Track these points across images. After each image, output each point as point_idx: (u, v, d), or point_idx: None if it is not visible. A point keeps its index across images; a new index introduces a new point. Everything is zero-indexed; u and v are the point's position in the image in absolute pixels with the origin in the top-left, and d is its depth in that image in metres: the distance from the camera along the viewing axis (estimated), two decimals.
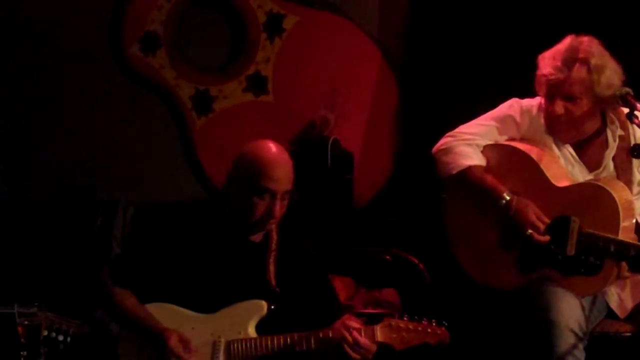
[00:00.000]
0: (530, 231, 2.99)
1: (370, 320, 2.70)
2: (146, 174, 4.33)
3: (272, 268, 2.75)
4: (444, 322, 2.66)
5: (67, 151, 4.26)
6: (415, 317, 2.66)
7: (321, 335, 2.64)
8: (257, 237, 2.77)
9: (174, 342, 2.60)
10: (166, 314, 2.69)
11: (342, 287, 3.92)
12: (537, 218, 2.99)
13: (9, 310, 2.65)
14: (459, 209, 3.20)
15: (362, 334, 2.62)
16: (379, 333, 2.63)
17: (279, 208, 2.68)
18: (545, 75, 3.01)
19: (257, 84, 4.44)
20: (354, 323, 2.65)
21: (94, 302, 2.83)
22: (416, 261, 4.01)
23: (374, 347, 2.64)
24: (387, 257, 4.10)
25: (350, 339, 2.60)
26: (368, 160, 4.51)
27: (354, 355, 2.61)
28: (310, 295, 2.79)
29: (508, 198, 3.02)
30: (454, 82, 4.32)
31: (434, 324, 2.65)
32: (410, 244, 4.11)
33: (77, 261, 3.84)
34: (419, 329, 2.64)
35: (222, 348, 2.65)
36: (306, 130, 4.45)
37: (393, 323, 2.64)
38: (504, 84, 3.84)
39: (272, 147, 2.74)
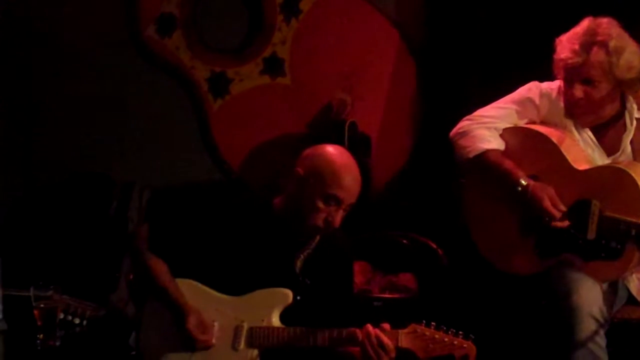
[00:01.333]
0: (546, 218, 2.95)
1: (391, 308, 2.65)
2: (162, 157, 4.32)
3: (301, 259, 2.72)
4: (471, 335, 2.57)
5: (83, 134, 4.26)
6: (442, 327, 2.57)
7: (345, 334, 2.60)
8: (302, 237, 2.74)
9: (192, 323, 2.59)
10: (192, 291, 2.68)
11: (359, 271, 3.91)
12: (553, 205, 2.95)
13: (25, 294, 2.65)
14: (477, 193, 3.17)
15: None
16: (403, 339, 2.56)
17: (339, 218, 2.65)
18: (563, 60, 2.97)
19: (273, 66, 4.41)
20: (385, 325, 2.59)
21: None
22: (434, 245, 3.99)
23: (394, 353, 2.58)
24: (404, 241, 4.09)
25: (374, 340, 2.55)
26: (385, 143, 4.48)
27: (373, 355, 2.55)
28: (333, 291, 2.75)
29: (525, 183, 2.99)
30: (473, 64, 4.29)
31: (460, 336, 2.56)
32: (428, 228, 4.09)
33: (93, 244, 3.85)
34: (445, 340, 2.55)
35: (244, 333, 2.64)
36: (323, 113, 4.43)
37: (419, 330, 2.56)
38: (523, 66, 3.81)
39: (346, 155, 2.69)
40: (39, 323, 2.60)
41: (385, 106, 4.51)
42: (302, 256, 2.73)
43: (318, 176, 2.63)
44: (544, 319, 3.07)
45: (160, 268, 2.69)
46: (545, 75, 3.14)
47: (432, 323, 2.57)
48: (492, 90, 3.28)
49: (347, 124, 4.29)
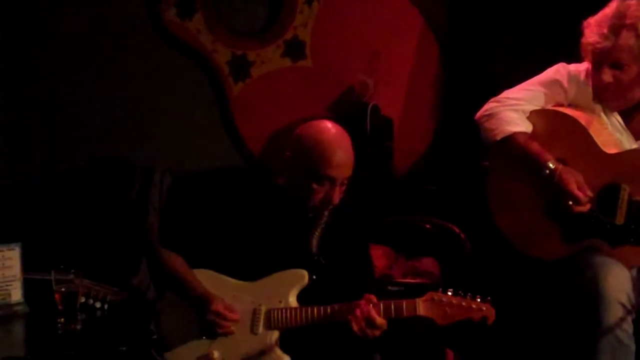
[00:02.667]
0: (570, 203, 2.90)
1: (412, 293, 2.64)
2: (183, 140, 4.31)
3: (316, 237, 2.71)
4: (488, 297, 2.57)
5: (104, 118, 4.25)
6: (460, 292, 2.57)
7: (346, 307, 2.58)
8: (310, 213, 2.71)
9: (219, 306, 2.59)
10: (208, 280, 2.68)
11: (381, 256, 3.89)
12: (578, 189, 2.91)
13: (46, 277, 2.64)
14: (502, 177, 3.12)
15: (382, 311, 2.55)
16: (421, 307, 2.55)
17: (337, 195, 2.62)
18: (591, 44, 2.92)
19: (295, 49, 4.38)
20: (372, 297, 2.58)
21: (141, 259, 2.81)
22: (457, 230, 3.95)
23: (385, 326, 2.56)
24: (427, 225, 4.06)
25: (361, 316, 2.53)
26: (408, 126, 4.45)
27: (363, 332, 2.54)
28: (350, 268, 2.74)
29: (552, 167, 2.94)
30: (498, 46, 4.24)
31: (478, 300, 2.56)
32: (451, 212, 4.06)
33: (114, 228, 3.85)
34: (463, 304, 2.54)
35: (262, 316, 2.63)
36: (345, 96, 4.40)
37: (436, 297, 2.55)
38: (549, 49, 3.75)
39: (332, 129, 2.63)
40: (59, 307, 2.61)
41: (408, 89, 4.47)
42: (315, 234, 2.71)
43: (306, 159, 2.60)
44: (570, 305, 3.04)
45: (175, 261, 2.69)
46: (573, 57, 3.10)
47: (449, 290, 2.56)
48: (517, 73, 3.24)
49: (370, 107, 4.26)
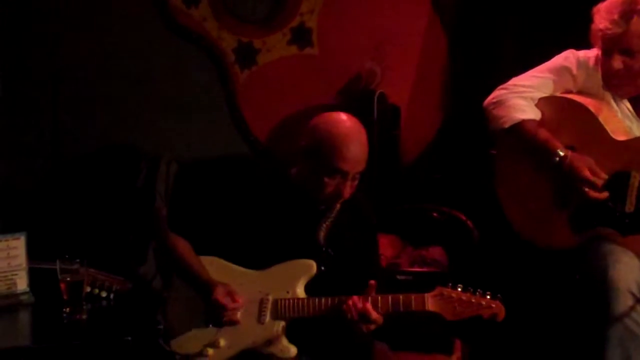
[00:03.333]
0: (585, 189, 2.87)
1: (420, 282, 2.63)
2: (188, 128, 4.29)
3: (324, 229, 2.69)
4: (498, 295, 2.54)
5: (110, 107, 4.24)
6: (469, 288, 2.54)
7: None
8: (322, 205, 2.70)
9: (220, 293, 2.58)
10: (215, 268, 2.67)
11: (388, 244, 3.88)
12: (592, 174, 2.88)
13: (51, 266, 2.63)
14: (510, 165, 3.10)
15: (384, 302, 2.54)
16: (430, 302, 2.53)
17: (348, 189, 2.59)
18: (601, 30, 2.89)
19: (301, 36, 4.35)
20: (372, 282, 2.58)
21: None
22: (464, 218, 3.93)
23: (380, 321, 2.55)
24: (435, 214, 4.04)
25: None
26: (415, 114, 4.43)
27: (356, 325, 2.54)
28: (357, 260, 2.73)
29: (562, 154, 2.92)
30: (506, 33, 4.20)
31: (488, 297, 2.53)
32: (459, 200, 4.04)
33: (120, 217, 3.84)
34: (473, 300, 2.52)
35: (269, 306, 2.63)
36: (352, 83, 4.37)
37: (445, 293, 2.53)
38: (558, 38, 3.72)
39: (348, 122, 2.60)
40: (65, 296, 2.60)
41: (416, 77, 4.45)
42: (324, 225, 2.69)
43: (319, 150, 2.57)
44: (578, 294, 3.02)
45: (183, 247, 2.68)
46: (581, 44, 3.08)
47: (459, 285, 2.54)
48: (525, 60, 3.23)
49: (377, 95, 4.23)
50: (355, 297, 2.54)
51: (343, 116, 2.62)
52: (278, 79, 4.35)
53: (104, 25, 4.22)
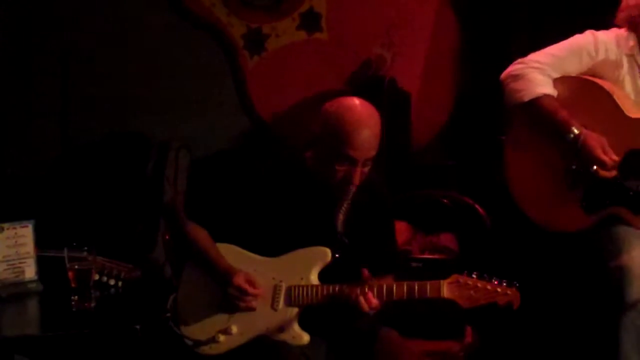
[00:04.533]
0: (595, 167, 2.84)
1: (431, 269, 2.61)
2: (198, 115, 4.28)
3: (341, 216, 2.66)
4: (515, 282, 2.52)
5: (119, 93, 4.23)
6: (485, 275, 2.52)
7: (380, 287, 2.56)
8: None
9: (241, 278, 2.57)
10: (231, 255, 2.66)
11: (399, 231, 3.83)
12: (604, 153, 2.84)
13: (59, 254, 2.62)
14: (521, 146, 3.07)
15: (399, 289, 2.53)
16: (446, 289, 2.51)
17: (359, 175, 2.57)
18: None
19: (310, 21, 4.33)
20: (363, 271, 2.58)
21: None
22: (475, 205, 3.90)
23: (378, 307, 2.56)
24: (445, 200, 4.01)
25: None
26: (426, 100, 4.40)
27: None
28: (374, 246, 2.71)
29: (577, 132, 2.89)
30: (517, 16, 4.16)
31: (504, 284, 2.51)
32: (470, 186, 4.01)
33: (129, 205, 3.83)
34: (488, 287, 2.50)
35: (282, 292, 2.62)
36: (361, 69, 4.35)
37: (461, 280, 2.51)
38: (569, 17, 3.69)
39: (359, 107, 2.57)
40: (73, 285, 2.58)
41: (426, 62, 4.42)
42: (341, 212, 2.67)
43: (329, 136, 2.56)
44: (592, 280, 2.99)
45: (200, 234, 2.67)
46: (592, 27, 3.05)
47: (475, 273, 2.52)
48: (536, 43, 3.18)
49: (386, 80, 4.21)
50: (361, 287, 2.54)
51: (355, 101, 2.60)
52: (287, 64, 4.33)
53: (114, 13, 4.20)
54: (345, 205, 2.66)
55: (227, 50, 4.31)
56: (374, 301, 2.52)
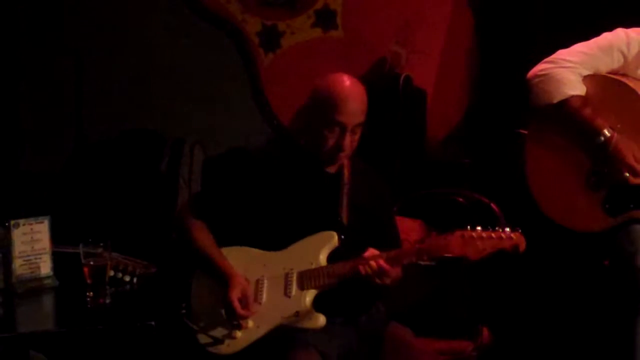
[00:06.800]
0: (627, 174, 2.81)
1: (444, 268, 2.62)
2: (212, 112, 4.28)
3: (345, 200, 2.73)
4: (517, 227, 2.57)
5: (134, 90, 4.24)
6: (489, 226, 2.57)
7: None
8: (331, 169, 2.76)
9: (235, 295, 2.59)
10: (240, 255, 2.69)
11: (412, 229, 3.83)
12: (636, 161, 2.81)
13: (75, 250, 2.63)
14: (543, 144, 3.02)
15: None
16: (453, 245, 2.56)
17: (348, 141, 2.66)
18: None
19: (326, 19, 4.32)
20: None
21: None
22: (491, 203, 3.88)
23: (400, 274, 2.63)
24: (460, 199, 3.99)
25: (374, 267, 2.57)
26: (441, 98, 4.38)
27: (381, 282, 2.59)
28: (376, 229, 2.77)
29: (608, 135, 2.83)
30: (534, 13, 4.13)
31: (507, 230, 2.56)
32: (485, 185, 3.98)
33: (143, 201, 3.84)
34: (493, 235, 2.55)
35: (294, 279, 2.64)
36: (376, 66, 4.33)
37: (466, 234, 2.56)
38: (588, 15, 3.65)
39: (345, 79, 2.71)
40: (88, 281, 2.59)
41: (442, 59, 4.40)
42: (344, 193, 2.73)
43: (317, 105, 2.68)
44: (608, 280, 2.96)
45: (205, 238, 2.70)
46: (611, 26, 2.99)
47: (478, 225, 2.57)
48: (554, 40, 3.13)
49: (402, 77, 4.19)
50: (368, 255, 2.60)
51: (343, 76, 2.71)
52: (302, 62, 4.32)
53: (127, 10, 4.20)
54: (346, 190, 2.73)
55: (242, 47, 4.31)
56: (386, 266, 2.56)
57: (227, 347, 2.62)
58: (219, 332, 2.63)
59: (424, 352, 2.78)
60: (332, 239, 2.66)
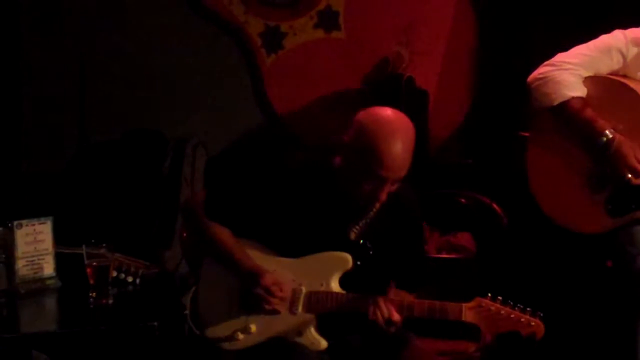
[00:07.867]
0: (629, 175, 2.81)
1: (448, 269, 2.56)
2: (215, 113, 4.28)
3: (357, 228, 2.59)
4: (539, 312, 2.43)
5: (136, 90, 4.23)
6: (509, 302, 2.43)
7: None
8: None
9: (269, 280, 2.52)
10: (253, 251, 2.61)
11: None
12: (638, 162, 2.81)
13: (78, 251, 2.63)
14: (545, 146, 3.02)
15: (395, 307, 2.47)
16: (467, 313, 2.44)
17: (386, 194, 2.46)
18: None
19: (328, 20, 4.32)
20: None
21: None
22: (493, 204, 3.89)
23: (399, 323, 2.49)
24: (462, 199, 4.00)
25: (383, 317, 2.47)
26: (444, 99, 4.38)
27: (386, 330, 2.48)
28: (400, 259, 2.63)
29: (610, 136, 2.83)
30: (536, 14, 4.13)
31: (528, 313, 2.43)
32: (487, 186, 3.99)
33: (146, 202, 3.84)
34: (512, 316, 2.41)
35: (302, 297, 2.57)
36: (379, 67, 4.34)
37: (484, 304, 2.43)
38: (589, 16, 3.65)
39: (395, 125, 2.42)
40: (91, 281, 2.59)
41: (444, 60, 4.40)
42: (357, 226, 2.60)
43: (361, 150, 2.42)
44: (610, 282, 2.96)
45: (223, 233, 2.61)
46: (612, 27, 3.00)
47: (499, 297, 2.44)
48: (555, 42, 3.14)
49: (404, 78, 4.20)
50: (381, 300, 2.47)
51: (391, 115, 2.44)
52: (305, 63, 4.32)
53: (130, 10, 4.21)
54: (366, 217, 2.59)
55: (244, 48, 4.30)
56: (396, 316, 2.45)
57: (228, 345, 2.58)
58: (222, 332, 2.60)
59: (425, 352, 2.74)
60: (346, 263, 2.55)
